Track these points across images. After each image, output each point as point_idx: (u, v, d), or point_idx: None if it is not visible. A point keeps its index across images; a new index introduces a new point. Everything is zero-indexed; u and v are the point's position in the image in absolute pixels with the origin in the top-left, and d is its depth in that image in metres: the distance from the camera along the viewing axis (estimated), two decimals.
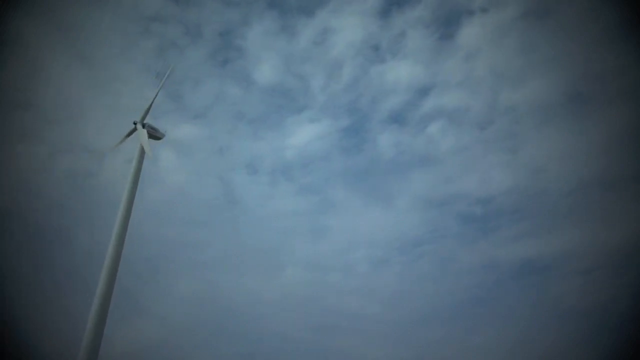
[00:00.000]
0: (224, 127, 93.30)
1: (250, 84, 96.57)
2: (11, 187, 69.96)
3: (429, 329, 73.32)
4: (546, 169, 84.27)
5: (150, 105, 40.70)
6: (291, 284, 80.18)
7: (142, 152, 38.68)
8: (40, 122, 77.80)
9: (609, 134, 76.01)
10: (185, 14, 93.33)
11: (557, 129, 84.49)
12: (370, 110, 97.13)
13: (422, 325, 74.30)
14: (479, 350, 64.58)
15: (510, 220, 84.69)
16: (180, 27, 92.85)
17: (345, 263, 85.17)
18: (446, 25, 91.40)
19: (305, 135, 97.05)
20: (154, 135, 40.79)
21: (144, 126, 40.44)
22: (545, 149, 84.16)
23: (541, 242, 79.28)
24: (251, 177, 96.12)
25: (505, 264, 79.76)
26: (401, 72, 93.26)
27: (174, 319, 68.34)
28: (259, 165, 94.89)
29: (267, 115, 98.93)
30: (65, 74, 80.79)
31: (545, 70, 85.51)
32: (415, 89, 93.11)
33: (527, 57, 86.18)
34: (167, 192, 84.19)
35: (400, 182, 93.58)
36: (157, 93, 41.46)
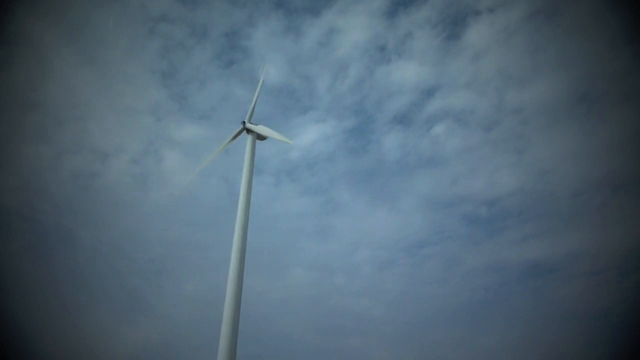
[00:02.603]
0: (229, 127, 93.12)
1: (256, 84, 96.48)
2: (17, 187, 70.25)
3: (434, 330, 73.04)
4: (553, 170, 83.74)
5: (254, 104, 41.28)
6: (296, 285, 80.00)
7: (253, 151, 38.56)
8: (46, 122, 78.10)
9: (616, 136, 75.42)
10: (192, 15, 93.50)
11: (564, 130, 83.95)
12: (376, 111, 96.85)
13: (427, 327, 74.02)
14: (484, 351, 64.21)
15: (516, 221, 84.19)
16: (186, 28, 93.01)
17: (350, 264, 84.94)
18: (453, 25, 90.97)
19: (310, 136, 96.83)
20: (261, 135, 40.60)
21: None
22: (551, 150, 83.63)
23: (547, 244, 78.76)
24: (256, 178, 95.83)
25: (511, 265, 79.33)
26: (407, 73, 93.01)
27: (178, 319, 68.38)
28: (264, 166, 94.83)
29: (272, 116, 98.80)
30: (71, 74, 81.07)
31: (553, 71, 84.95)
32: (421, 90, 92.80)
33: (534, 57, 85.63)
34: (171, 193, 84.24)
35: (406, 183, 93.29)
36: (258, 92, 42.51)
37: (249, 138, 39.42)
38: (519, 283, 77.08)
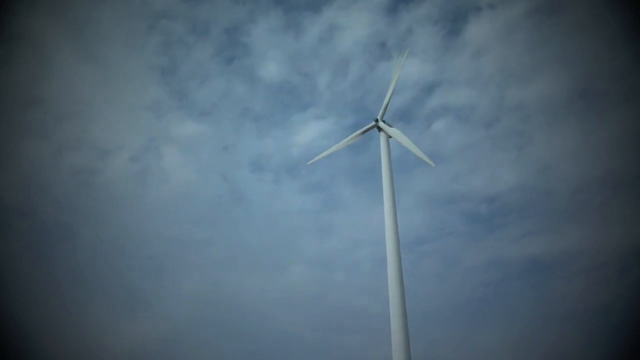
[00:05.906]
0: (229, 124, 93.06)
1: (256, 81, 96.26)
2: (17, 184, 70.24)
3: (435, 329, 72.92)
4: (553, 167, 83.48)
5: (389, 99, 38.38)
6: (296, 282, 79.91)
7: (388, 150, 36.77)
8: (46, 119, 78.04)
9: (618, 133, 75.13)
10: (193, 11, 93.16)
11: (565, 127, 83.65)
12: (376, 108, 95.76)
13: (427, 325, 73.90)
14: (485, 351, 64.23)
15: (516, 218, 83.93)
16: (187, 24, 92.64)
17: (350, 261, 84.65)
18: (454, 22, 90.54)
19: (310, 133, 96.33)
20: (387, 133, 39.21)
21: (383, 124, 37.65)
22: (552, 147, 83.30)
23: (548, 241, 78.56)
24: (256, 175, 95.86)
25: (511, 262, 79.13)
26: (408, 70, 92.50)
27: (178, 316, 68.51)
28: (264, 163, 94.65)
29: (272, 113, 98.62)
30: (71, 71, 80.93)
31: (554, 68, 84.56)
32: (421, 86, 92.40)
33: (536, 54, 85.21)
34: (171, 190, 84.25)
35: (406, 180, 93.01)
36: (394, 84, 39.02)
37: (382, 136, 37.30)
38: (519, 280, 77.04)
